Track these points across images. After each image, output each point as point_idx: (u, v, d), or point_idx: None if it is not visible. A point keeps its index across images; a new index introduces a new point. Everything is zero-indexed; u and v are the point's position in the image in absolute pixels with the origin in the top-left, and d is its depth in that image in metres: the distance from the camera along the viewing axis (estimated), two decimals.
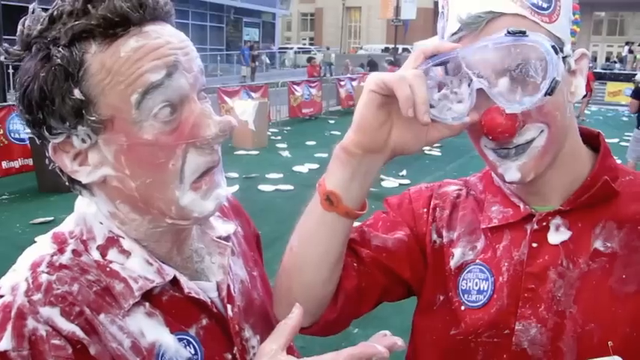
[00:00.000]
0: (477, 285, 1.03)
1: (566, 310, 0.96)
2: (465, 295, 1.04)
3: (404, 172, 9.11)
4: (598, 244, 0.98)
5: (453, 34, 0.94)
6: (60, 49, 0.79)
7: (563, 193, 1.01)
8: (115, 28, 0.79)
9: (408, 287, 1.13)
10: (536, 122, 0.93)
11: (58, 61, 0.79)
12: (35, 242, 0.89)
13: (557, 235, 0.99)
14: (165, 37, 0.83)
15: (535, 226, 1.01)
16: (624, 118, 8.17)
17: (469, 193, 1.14)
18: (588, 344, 0.93)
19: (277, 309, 1.06)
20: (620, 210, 0.99)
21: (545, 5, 0.92)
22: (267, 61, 34.26)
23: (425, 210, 1.14)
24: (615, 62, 28.92)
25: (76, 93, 0.79)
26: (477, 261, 1.05)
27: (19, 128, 8.16)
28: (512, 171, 0.96)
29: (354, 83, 18.92)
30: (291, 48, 42.12)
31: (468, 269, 1.05)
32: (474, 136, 0.99)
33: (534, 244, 1.00)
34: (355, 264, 1.07)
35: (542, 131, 0.94)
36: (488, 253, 1.04)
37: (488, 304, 1.01)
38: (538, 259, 0.99)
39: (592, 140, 1.07)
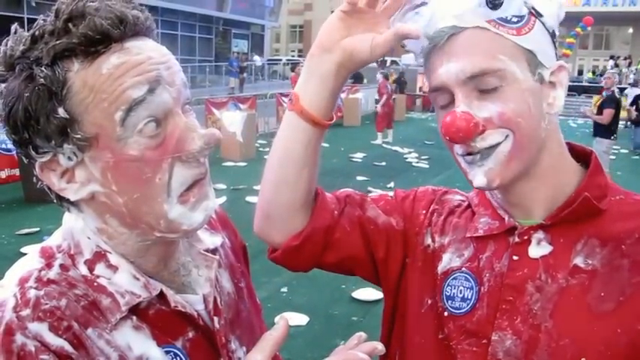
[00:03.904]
0: (461, 292, 1.04)
1: (542, 324, 0.96)
2: (449, 302, 1.05)
3: (391, 184, 9.16)
4: (578, 261, 0.98)
5: (422, 50, 0.99)
6: (43, 68, 0.79)
7: (547, 208, 1.01)
8: (96, 45, 0.79)
9: (376, 270, 1.16)
10: (499, 128, 0.94)
11: (42, 80, 0.78)
12: (21, 253, 0.90)
13: (538, 249, 1.00)
14: (147, 52, 0.83)
15: (517, 239, 1.02)
16: None
17: (469, 206, 1.15)
18: (562, 359, 0.94)
19: (255, 222, 1.15)
20: (604, 228, 0.99)
21: (514, 19, 0.94)
22: (259, 63, 34.42)
23: (423, 212, 1.16)
24: (600, 75, 29.19)
25: (61, 112, 0.79)
26: (463, 269, 1.06)
27: (6, 139, 8.09)
28: (479, 177, 0.97)
29: (343, 95, 18.87)
30: (280, 60, 42.18)
31: (453, 276, 1.06)
32: (449, 146, 1.01)
33: (515, 257, 1.01)
34: (336, 212, 1.13)
35: (507, 136, 0.95)
36: (475, 262, 1.05)
37: (471, 313, 1.02)
38: (517, 271, 1.00)
39: (585, 157, 1.07)
